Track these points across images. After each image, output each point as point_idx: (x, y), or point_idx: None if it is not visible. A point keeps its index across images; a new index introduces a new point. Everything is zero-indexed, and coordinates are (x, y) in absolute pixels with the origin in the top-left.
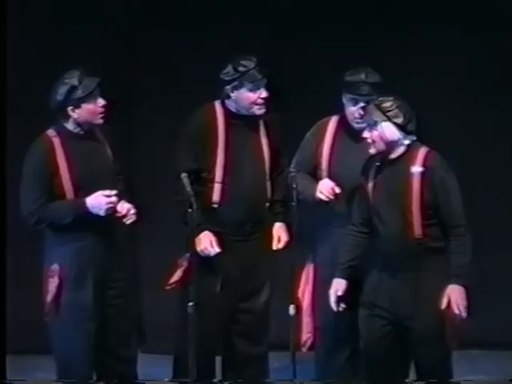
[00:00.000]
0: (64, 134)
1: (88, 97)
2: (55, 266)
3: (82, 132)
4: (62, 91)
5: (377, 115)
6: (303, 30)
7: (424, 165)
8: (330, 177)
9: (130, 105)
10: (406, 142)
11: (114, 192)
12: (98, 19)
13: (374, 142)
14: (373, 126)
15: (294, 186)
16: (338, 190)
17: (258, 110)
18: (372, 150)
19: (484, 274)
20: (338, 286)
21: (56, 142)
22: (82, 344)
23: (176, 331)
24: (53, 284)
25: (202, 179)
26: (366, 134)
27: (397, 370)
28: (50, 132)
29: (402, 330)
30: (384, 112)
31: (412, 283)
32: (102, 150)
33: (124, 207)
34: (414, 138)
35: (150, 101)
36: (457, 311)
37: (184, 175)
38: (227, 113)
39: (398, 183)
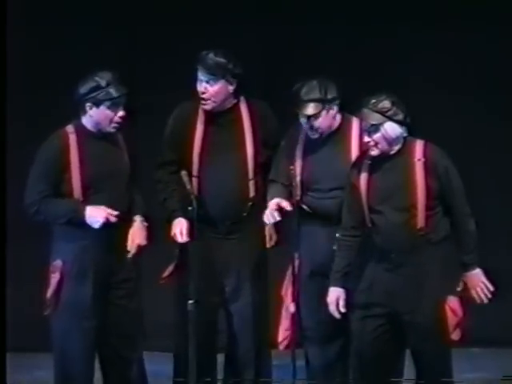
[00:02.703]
0: (81, 132)
1: (108, 102)
2: (58, 262)
3: (99, 132)
4: (87, 86)
5: (375, 118)
6: (302, 30)
7: (425, 156)
8: (305, 177)
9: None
10: (405, 134)
11: (116, 213)
12: (97, 18)
13: (376, 144)
14: (373, 130)
15: (294, 183)
16: (285, 205)
17: (204, 105)
18: (375, 152)
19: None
20: (338, 294)
21: (72, 138)
22: (79, 342)
23: (173, 329)
24: (54, 279)
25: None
26: (366, 139)
27: (392, 369)
28: (69, 128)
29: (401, 325)
30: (383, 113)
31: (413, 277)
32: (118, 153)
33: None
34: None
35: (150, 101)
36: (482, 296)
37: (184, 173)
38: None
39: (399, 176)
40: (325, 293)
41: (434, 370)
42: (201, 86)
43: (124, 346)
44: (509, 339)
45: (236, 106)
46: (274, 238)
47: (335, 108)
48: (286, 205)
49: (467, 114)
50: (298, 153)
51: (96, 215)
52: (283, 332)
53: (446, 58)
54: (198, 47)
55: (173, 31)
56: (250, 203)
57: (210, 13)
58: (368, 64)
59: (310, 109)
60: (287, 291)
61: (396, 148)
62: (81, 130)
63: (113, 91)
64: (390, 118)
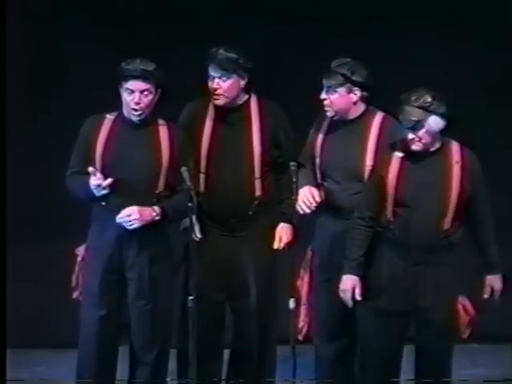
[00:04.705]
0: (120, 118)
1: (123, 83)
2: (83, 247)
3: (137, 120)
4: (120, 65)
5: (419, 114)
6: (302, 27)
7: (463, 158)
8: (322, 165)
9: None
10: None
11: (99, 175)
12: (97, 18)
13: (420, 139)
14: (417, 126)
15: (295, 180)
16: (317, 199)
17: (216, 101)
18: (418, 147)
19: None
20: (353, 282)
21: (107, 122)
22: (91, 328)
23: (178, 325)
24: (77, 263)
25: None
26: (410, 136)
27: (396, 365)
28: (110, 113)
29: (410, 322)
30: (426, 108)
31: (429, 275)
32: (153, 145)
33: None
34: None
35: None
36: (496, 298)
37: (184, 169)
38: (219, 105)
39: (435, 175)
40: (334, 285)
41: (435, 366)
42: (213, 83)
43: (138, 347)
44: (509, 335)
45: (246, 104)
46: (284, 239)
47: (358, 93)
48: (316, 195)
49: (467, 113)
50: (320, 137)
51: (92, 183)
52: (301, 322)
53: (446, 57)
54: (198, 48)
55: (173, 32)
56: (257, 202)
57: (210, 13)
58: (368, 63)
59: (331, 78)
60: (302, 282)
61: (437, 145)
62: (121, 117)
63: (124, 70)
64: (434, 112)
